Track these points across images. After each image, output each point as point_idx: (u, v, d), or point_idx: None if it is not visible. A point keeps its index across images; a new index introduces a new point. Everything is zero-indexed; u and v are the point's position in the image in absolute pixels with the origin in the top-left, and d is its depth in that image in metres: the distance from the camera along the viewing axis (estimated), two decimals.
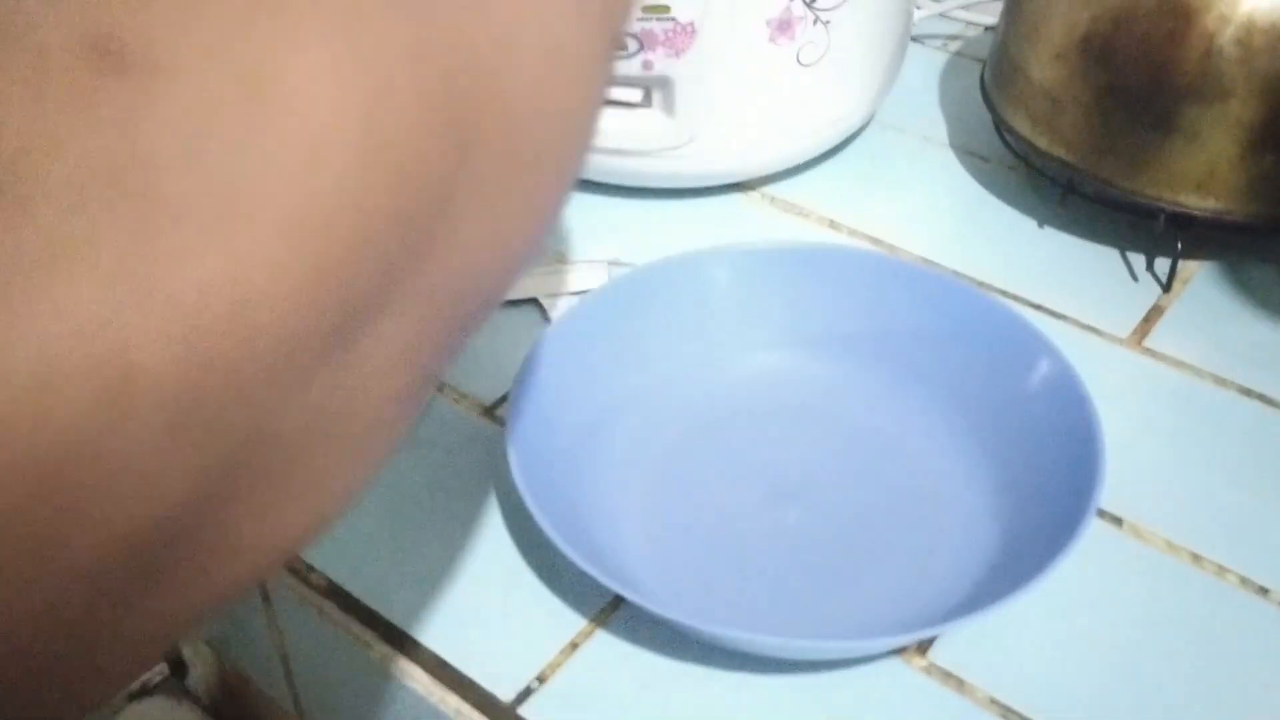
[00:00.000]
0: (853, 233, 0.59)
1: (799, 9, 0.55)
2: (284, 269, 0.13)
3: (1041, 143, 0.56)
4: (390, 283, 0.15)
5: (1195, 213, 0.53)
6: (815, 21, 0.55)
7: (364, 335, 0.15)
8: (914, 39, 0.73)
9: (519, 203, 0.17)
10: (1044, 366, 0.45)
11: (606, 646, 0.41)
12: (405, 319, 0.15)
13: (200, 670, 0.61)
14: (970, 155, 0.64)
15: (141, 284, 0.12)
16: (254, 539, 0.15)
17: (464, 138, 0.15)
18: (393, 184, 0.14)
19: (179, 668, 0.60)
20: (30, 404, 0.11)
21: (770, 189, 0.62)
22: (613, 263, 0.57)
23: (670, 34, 0.53)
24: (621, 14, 0.22)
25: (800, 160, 0.61)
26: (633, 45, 0.54)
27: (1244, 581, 0.43)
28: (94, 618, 0.13)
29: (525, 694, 0.40)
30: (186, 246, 0.12)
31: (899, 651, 0.41)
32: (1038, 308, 0.54)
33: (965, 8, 0.74)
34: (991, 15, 0.72)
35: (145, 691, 0.58)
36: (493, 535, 0.44)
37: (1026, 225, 0.59)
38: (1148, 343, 0.52)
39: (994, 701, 0.39)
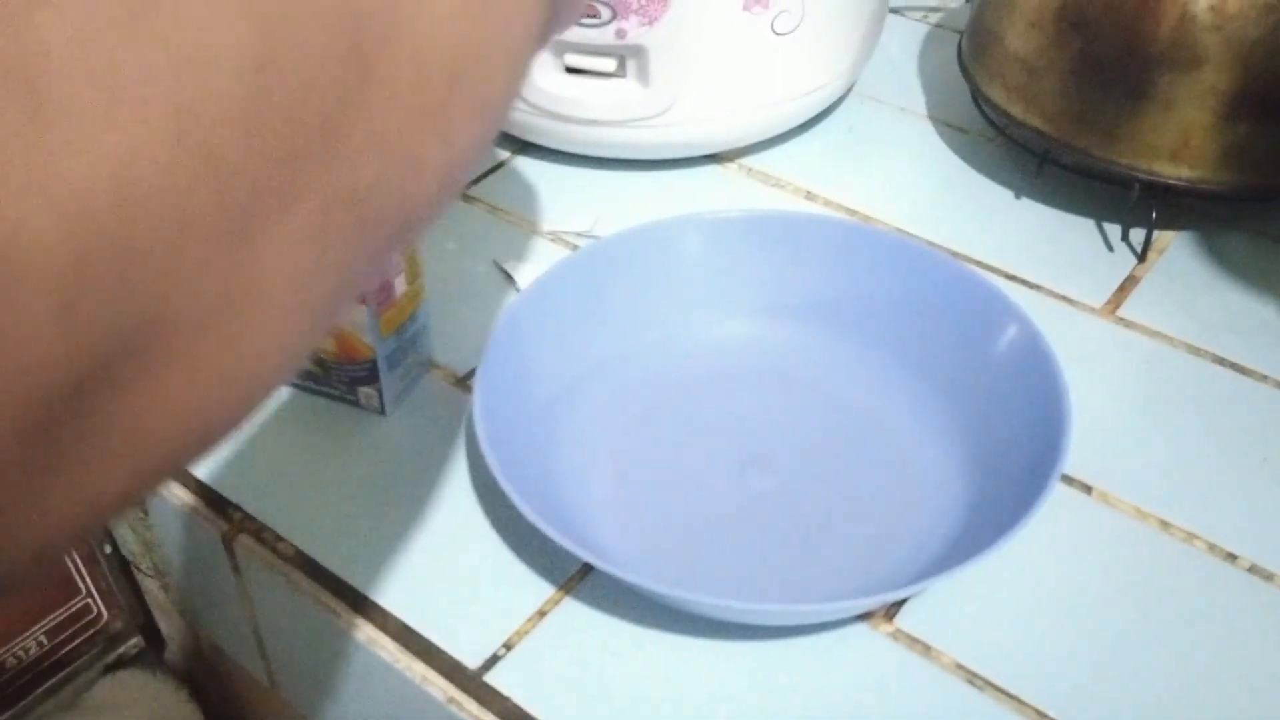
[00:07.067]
0: (830, 204, 0.59)
1: None
2: (172, 158, 0.14)
3: (1017, 112, 0.56)
4: (287, 182, 0.16)
5: (1170, 181, 0.53)
6: None
7: (264, 230, 0.16)
8: (894, 10, 0.72)
9: (432, 129, 0.18)
10: (1012, 333, 0.45)
11: (574, 614, 0.41)
12: (309, 220, 0.16)
13: (175, 643, 0.61)
14: (948, 127, 0.64)
15: (28, 167, 0.12)
16: (155, 423, 0.16)
17: (369, 57, 0.17)
18: (287, 89, 0.15)
19: (154, 641, 0.60)
20: None
21: (747, 160, 0.61)
22: (587, 234, 0.56)
23: (644, 2, 0.53)
24: None
25: (777, 131, 0.61)
26: (606, 14, 0.53)
27: (1212, 548, 0.43)
28: None
29: (492, 661, 0.40)
30: (75, 133, 0.13)
31: (866, 617, 0.41)
32: (1013, 278, 0.54)
33: None
34: None
35: (120, 664, 0.58)
36: (462, 504, 0.44)
37: (1003, 196, 0.59)
38: (1122, 312, 0.52)
39: (960, 666, 0.39)
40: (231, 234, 0.15)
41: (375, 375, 0.46)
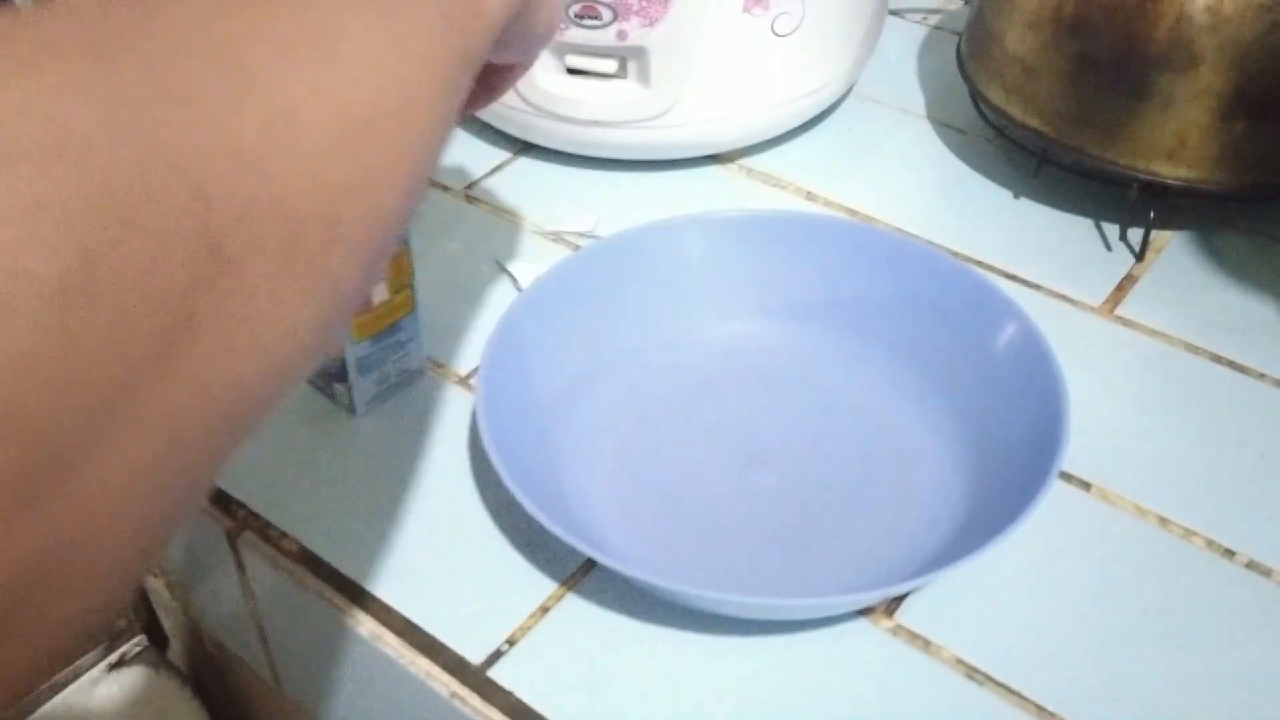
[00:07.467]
0: (830, 204, 0.59)
1: None
2: None
3: (1015, 112, 0.56)
4: (116, 414, 0.14)
5: (1167, 181, 0.53)
6: None
7: (86, 468, 0.14)
8: (893, 12, 0.73)
9: (307, 284, 0.16)
10: (1011, 331, 0.45)
11: (577, 610, 0.41)
12: (148, 437, 0.15)
13: (179, 641, 0.61)
14: (947, 128, 0.64)
15: None
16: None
17: (221, 238, 0.15)
18: (113, 317, 0.13)
19: (158, 639, 0.61)
20: None
21: (747, 160, 0.62)
22: (588, 235, 0.57)
23: (645, 3, 0.53)
24: (476, 55, 0.21)
25: (777, 132, 0.62)
26: (607, 15, 0.54)
27: (1210, 544, 0.43)
28: None
29: (495, 656, 0.40)
30: None
31: (867, 613, 0.41)
32: (1012, 277, 0.54)
33: None
34: None
35: (124, 662, 0.58)
36: (465, 501, 0.45)
37: (1002, 196, 0.59)
38: (1120, 311, 0.53)
39: (960, 662, 0.39)
40: (42, 485, 0.13)
41: (346, 374, 0.46)
